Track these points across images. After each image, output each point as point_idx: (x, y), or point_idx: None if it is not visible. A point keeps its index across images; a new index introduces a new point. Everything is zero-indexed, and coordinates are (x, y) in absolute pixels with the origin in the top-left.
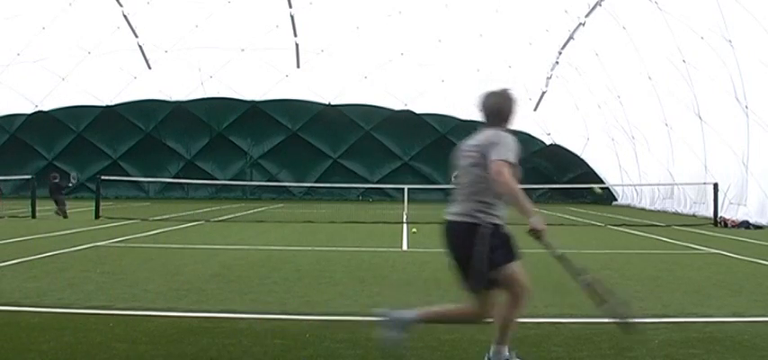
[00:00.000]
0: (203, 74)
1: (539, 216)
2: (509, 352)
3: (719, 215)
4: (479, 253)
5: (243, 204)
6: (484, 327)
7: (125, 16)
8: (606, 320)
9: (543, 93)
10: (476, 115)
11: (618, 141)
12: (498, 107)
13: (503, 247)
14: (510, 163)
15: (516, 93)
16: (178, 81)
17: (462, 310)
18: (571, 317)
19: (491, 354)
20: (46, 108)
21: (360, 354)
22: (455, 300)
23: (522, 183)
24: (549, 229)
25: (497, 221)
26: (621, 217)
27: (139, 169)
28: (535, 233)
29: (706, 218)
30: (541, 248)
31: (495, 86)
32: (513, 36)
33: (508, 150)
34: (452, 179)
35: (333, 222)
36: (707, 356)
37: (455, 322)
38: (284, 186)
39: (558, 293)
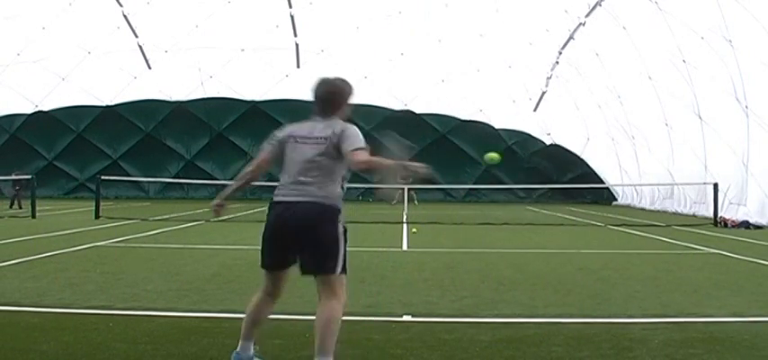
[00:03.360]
0: (203, 74)
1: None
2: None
3: (719, 215)
4: (342, 236)
5: (243, 204)
6: (484, 327)
7: (125, 16)
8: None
9: (543, 93)
10: (476, 115)
11: (618, 141)
12: (333, 96)
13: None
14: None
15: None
16: (178, 81)
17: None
18: (571, 317)
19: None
20: (46, 108)
21: (360, 354)
22: (455, 299)
23: (522, 183)
24: (548, 229)
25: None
26: (621, 217)
27: (139, 169)
28: (408, 170)
29: (706, 218)
30: (542, 248)
31: (328, 75)
32: (513, 36)
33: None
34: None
35: None
36: (707, 356)
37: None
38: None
39: (558, 293)
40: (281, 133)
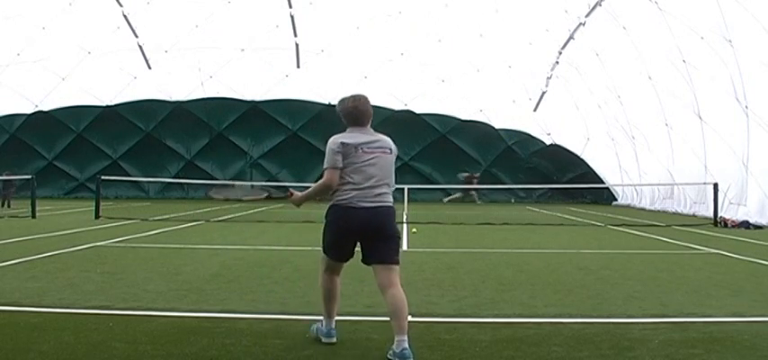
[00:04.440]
0: (203, 74)
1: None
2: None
3: (719, 215)
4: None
5: (243, 204)
6: (484, 327)
7: (125, 16)
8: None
9: (543, 93)
10: (476, 115)
11: (618, 141)
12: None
13: None
14: None
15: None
16: (178, 81)
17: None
18: (571, 317)
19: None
20: (46, 108)
21: (360, 354)
22: (455, 299)
23: (521, 182)
24: (548, 229)
25: None
26: (621, 217)
27: (139, 169)
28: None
29: (706, 218)
30: (542, 248)
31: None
32: (513, 36)
33: None
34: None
35: None
36: (707, 356)
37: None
38: (284, 186)
39: (558, 293)
40: (346, 143)
